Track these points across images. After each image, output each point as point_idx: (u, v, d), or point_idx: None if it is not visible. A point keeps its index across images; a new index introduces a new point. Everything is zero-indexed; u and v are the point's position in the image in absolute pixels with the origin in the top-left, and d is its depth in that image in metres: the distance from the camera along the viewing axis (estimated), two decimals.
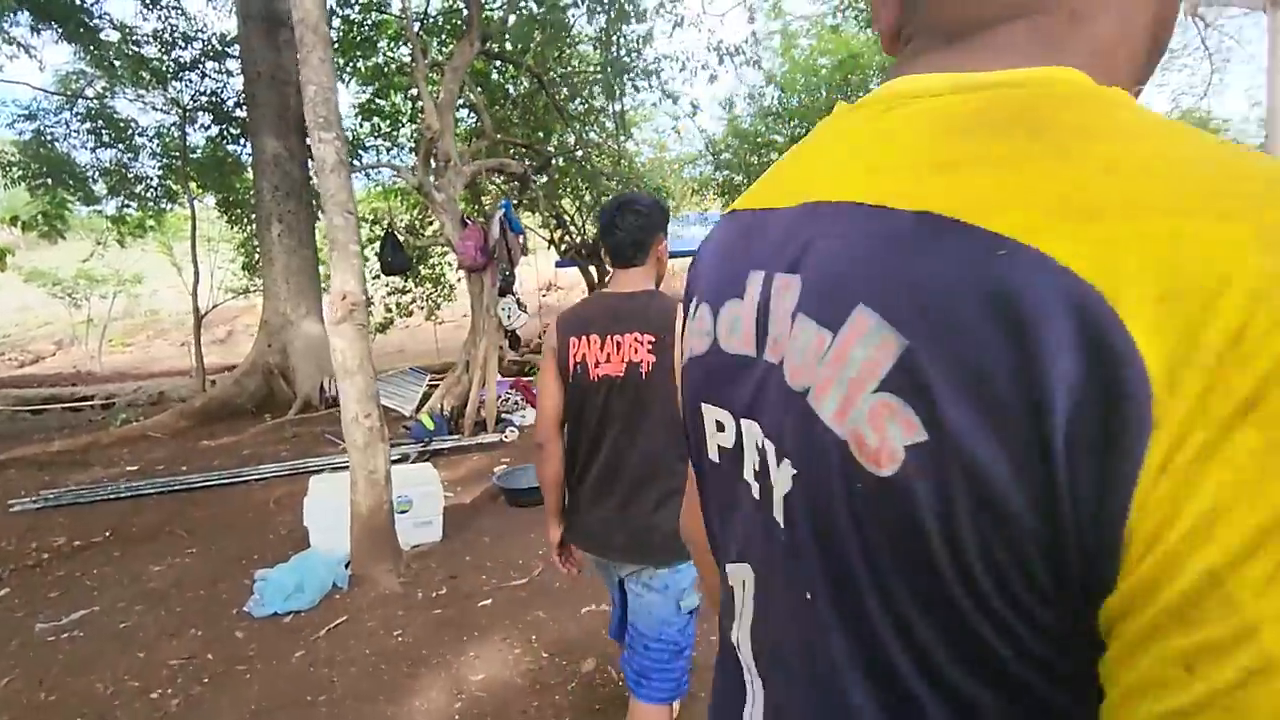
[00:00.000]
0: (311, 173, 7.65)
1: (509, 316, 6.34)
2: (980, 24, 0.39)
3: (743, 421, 0.45)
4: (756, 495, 0.45)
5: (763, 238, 0.45)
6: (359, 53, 9.27)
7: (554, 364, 1.69)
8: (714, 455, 0.50)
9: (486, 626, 3.00)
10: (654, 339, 1.59)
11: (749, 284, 0.45)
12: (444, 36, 8.99)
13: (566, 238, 15.80)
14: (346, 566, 3.48)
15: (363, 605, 3.23)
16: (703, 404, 0.50)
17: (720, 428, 0.48)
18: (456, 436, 6.08)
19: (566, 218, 15.38)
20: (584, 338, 1.64)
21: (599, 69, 8.01)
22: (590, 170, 9.26)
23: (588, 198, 15.34)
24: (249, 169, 9.25)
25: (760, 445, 0.43)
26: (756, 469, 0.44)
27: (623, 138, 9.43)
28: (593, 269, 16.21)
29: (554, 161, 9.55)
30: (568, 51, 8.85)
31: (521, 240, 6.43)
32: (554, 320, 1.74)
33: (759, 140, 14.16)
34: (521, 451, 5.76)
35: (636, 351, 1.60)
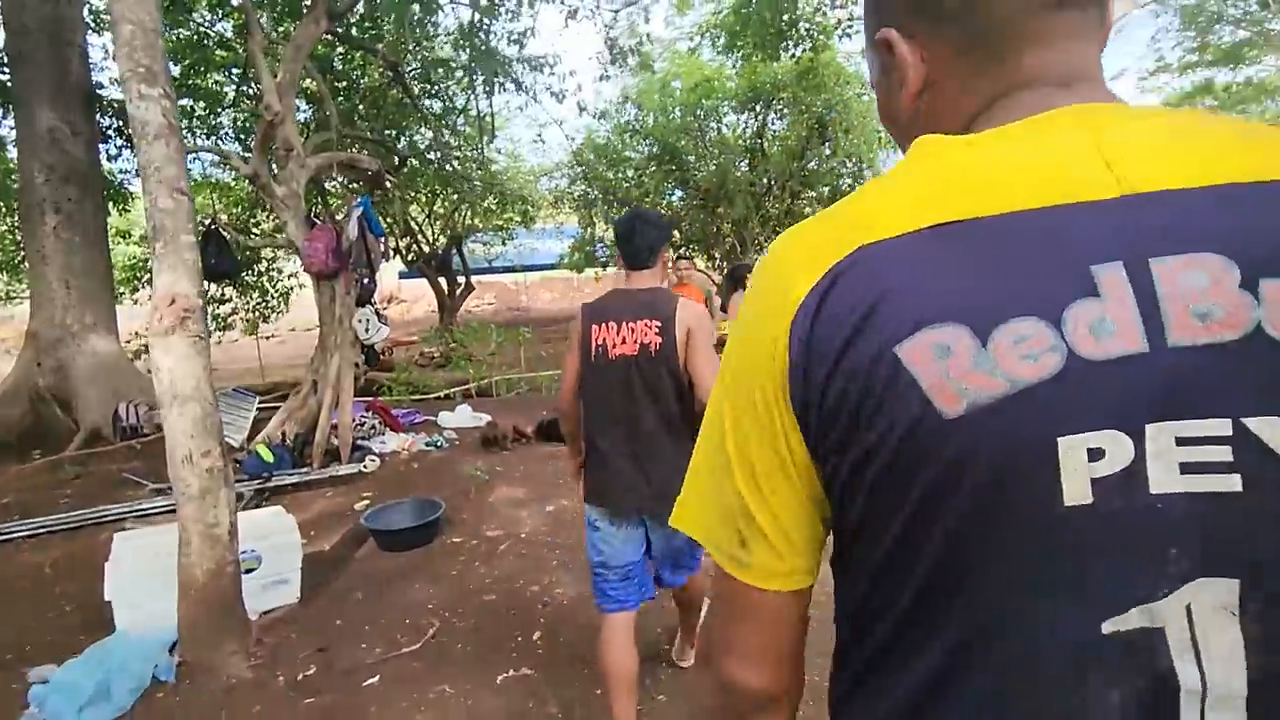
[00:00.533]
0: (104, 154, 6.28)
1: (367, 329, 5.55)
2: (1083, 75, 0.51)
3: (1149, 429, 0.41)
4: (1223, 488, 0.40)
5: (1066, 235, 0.44)
6: (168, 21, 7.88)
7: (578, 346, 2.05)
8: (1080, 496, 0.41)
9: (379, 715, 2.39)
10: (660, 323, 1.94)
11: (1102, 279, 0.42)
12: (277, 12, 7.90)
13: (415, 246, 14.75)
14: (172, 652, 2.67)
15: (201, 703, 2.47)
16: (1060, 439, 0.42)
17: (1097, 455, 0.41)
18: (303, 470, 5.18)
19: (415, 225, 14.36)
20: (604, 325, 1.99)
21: (466, 63, 7.39)
22: (449, 174, 8.57)
23: (440, 205, 14.45)
24: (10, 147, 7.47)
25: (1198, 439, 0.40)
26: (1182, 469, 0.40)
27: (487, 140, 8.85)
28: (443, 281, 15.29)
29: (406, 162, 8.74)
30: (428, 42, 8.15)
31: (383, 244, 5.68)
32: (581, 308, 2.08)
33: (615, 156, 14.14)
34: (385, 483, 5.01)
35: (646, 334, 1.94)
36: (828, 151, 13.17)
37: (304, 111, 8.82)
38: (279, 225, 6.12)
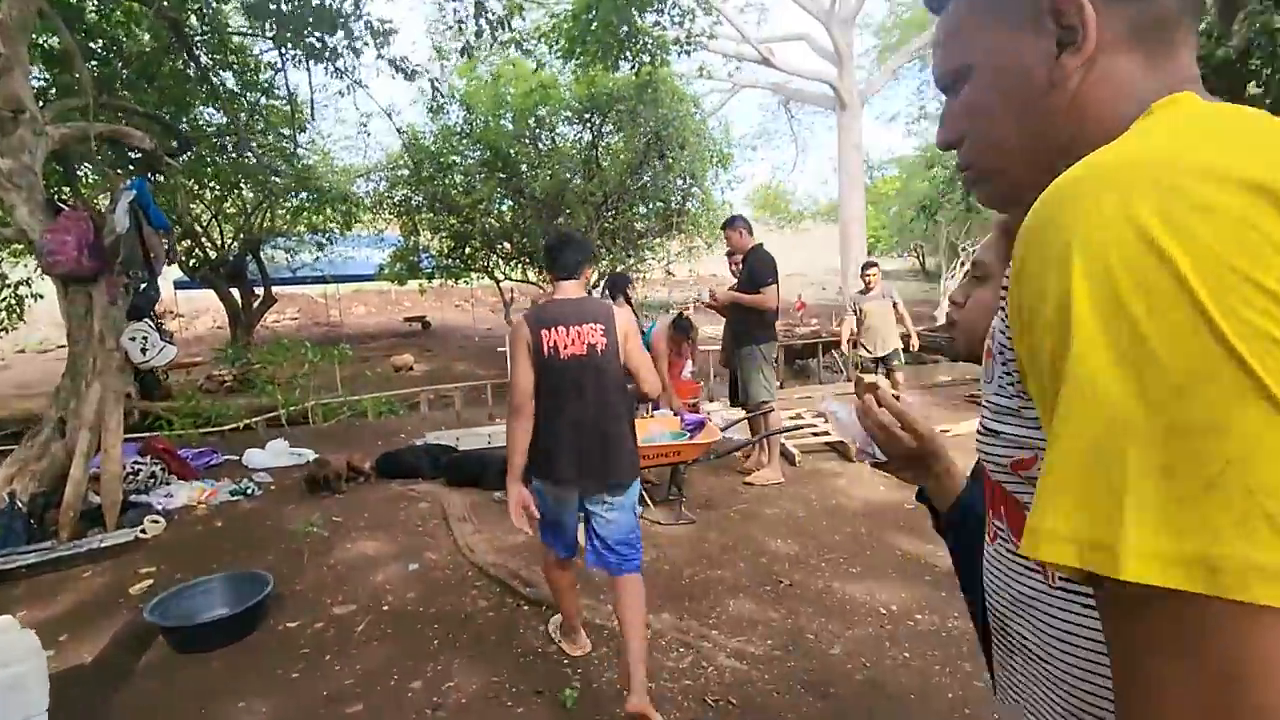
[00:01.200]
0: None
1: (144, 349, 4.25)
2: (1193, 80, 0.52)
3: None
4: None
5: None
6: None
7: (526, 350, 2.30)
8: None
9: None
10: (604, 327, 2.32)
11: None
12: None
13: (198, 251, 12.41)
14: None
15: None
16: None
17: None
18: (45, 544, 3.80)
19: (199, 226, 12.07)
20: (554, 329, 2.28)
21: (273, 21, 6.04)
22: (248, 165, 7.16)
23: (232, 203, 12.30)
24: None
25: None
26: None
27: (299, 125, 7.52)
28: (236, 292, 13.03)
29: (191, 146, 7.16)
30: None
31: (166, 240, 4.41)
32: (521, 317, 2.36)
33: (442, 160, 13.10)
34: (176, 553, 3.82)
35: (593, 336, 2.30)
36: (661, 167, 13.24)
37: (41, 78, 6.90)
38: (2, 213, 4.57)
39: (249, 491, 4.76)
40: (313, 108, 6.57)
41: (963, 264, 17.55)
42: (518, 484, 2.32)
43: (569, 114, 12.92)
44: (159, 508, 4.30)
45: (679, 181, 13.47)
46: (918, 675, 2.49)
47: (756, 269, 4.37)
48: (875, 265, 6.33)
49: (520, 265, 14.91)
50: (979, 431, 0.62)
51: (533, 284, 15.41)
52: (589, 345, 2.28)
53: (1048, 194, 0.45)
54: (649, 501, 4.18)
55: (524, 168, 13.08)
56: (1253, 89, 6.80)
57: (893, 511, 4.04)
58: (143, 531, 4.01)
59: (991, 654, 0.69)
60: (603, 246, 12.78)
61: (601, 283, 7.04)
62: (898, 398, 0.90)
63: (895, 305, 6.14)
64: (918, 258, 28.41)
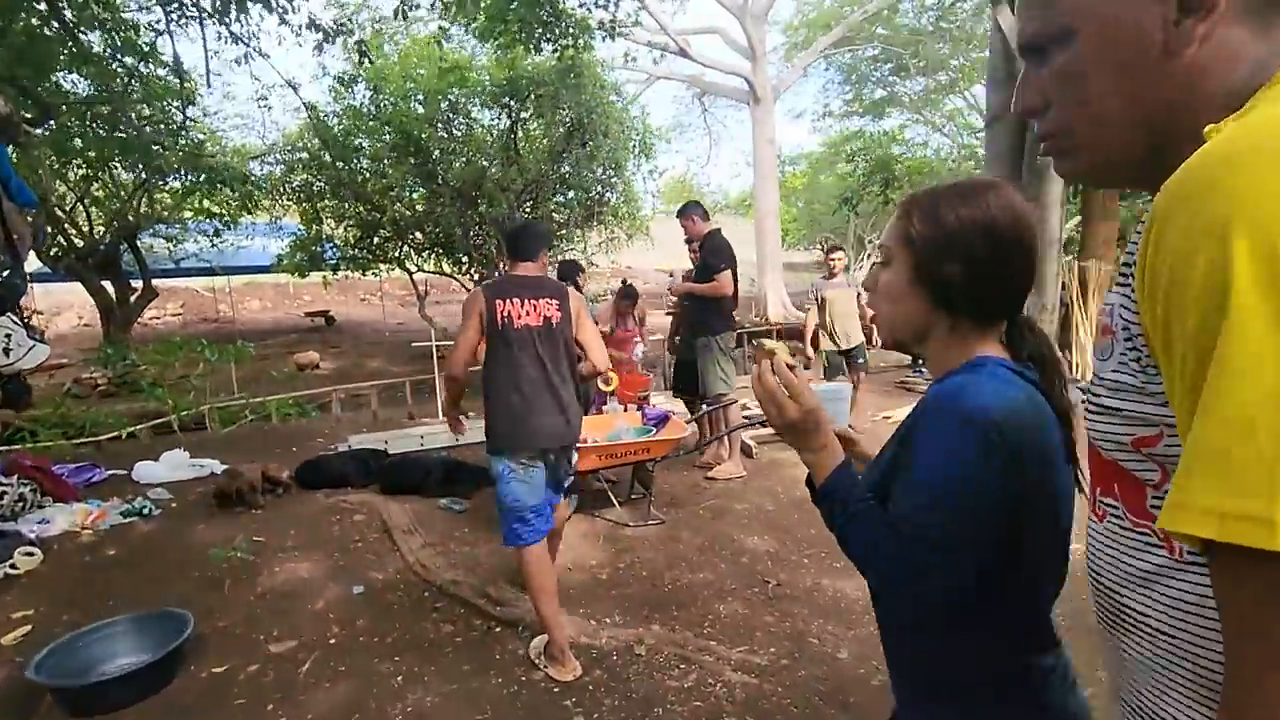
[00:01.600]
0: None
1: (7, 350, 3.55)
2: None
3: None
4: None
5: None
6: None
7: (478, 320, 2.49)
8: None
9: None
10: (558, 302, 2.54)
11: None
12: None
13: (62, 239, 10.89)
14: None
15: None
16: None
17: None
18: None
19: (60, 208, 10.57)
20: (508, 300, 2.48)
21: None
22: (129, 140, 6.28)
23: (102, 186, 10.85)
24: None
25: None
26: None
27: (189, 90, 6.64)
28: (109, 285, 11.54)
29: (53, 113, 6.19)
30: None
31: (33, 220, 3.70)
32: (479, 288, 2.73)
33: (347, 143, 12.21)
34: (60, 591, 3.20)
35: (549, 310, 2.53)
36: (583, 155, 12.88)
37: None
38: None
39: (145, 511, 4.12)
40: (208, 75, 5.78)
41: (869, 255, 18.25)
42: (455, 408, 2.77)
43: (485, 98, 12.34)
44: (32, 536, 3.63)
45: (600, 171, 13.18)
46: None
47: (709, 256, 4.20)
48: (840, 249, 5.99)
49: (434, 256, 14.17)
50: (1091, 410, 0.61)
51: (448, 276, 14.71)
52: (545, 318, 2.50)
53: (1195, 166, 0.45)
54: (614, 501, 3.94)
55: (437, 153, 12.40)
56: None
57: None
58: (12, 567, 3.36)
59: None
60: None
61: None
62: (793, 368, 0.92)
63: (859, 295, 5.59)
64: (822, 249, 29.45)
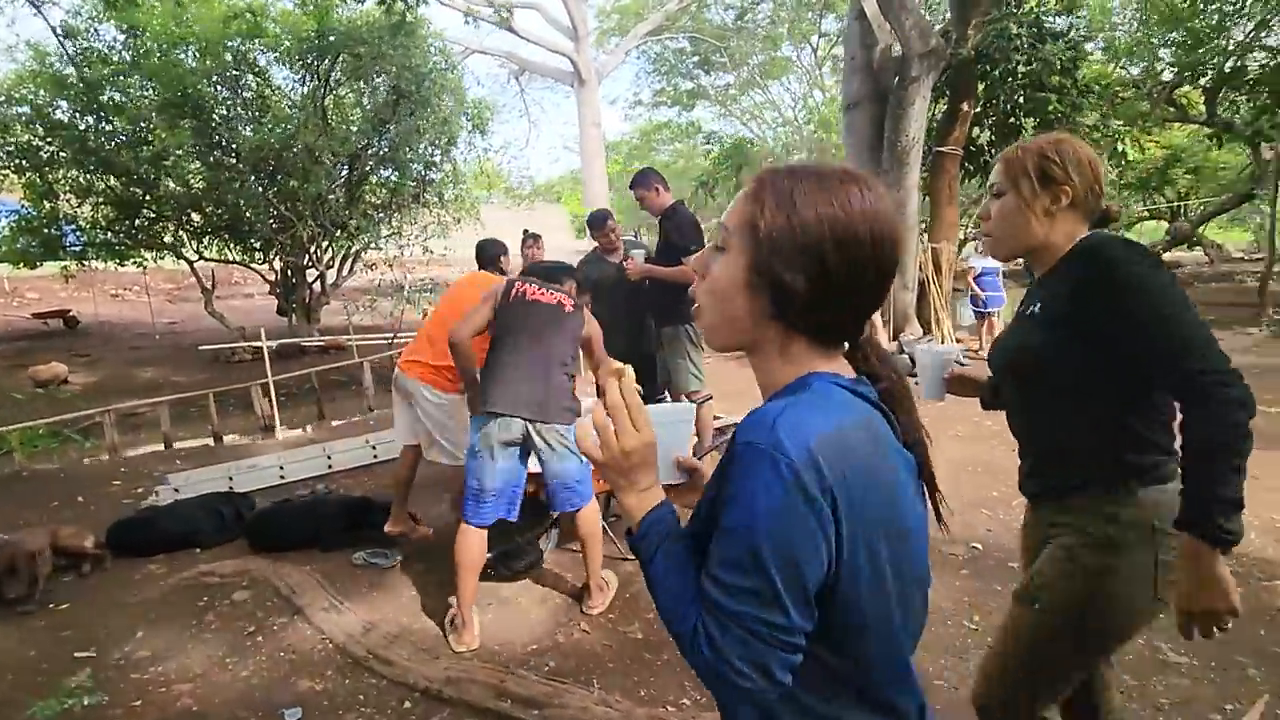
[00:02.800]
0: None
1: None
2: None
3: None
4: None
5: None
6: None
7: (492, 302, 2.62)
8: None
9: None
10: (573, 300, 2.67)
11: None
12: None
13: None
14: None
15: None
16: None
17: None
18: None
19: None
20: (526, 283, 2.64)
21: None
22: None
23: None
24: None
25: None
26: None
27: None
28: None
29: None
30: None
31: None
32: (505, 281, 2.72)
33: (92, 98, 9.58)
34: None
35: (561, 298, 2.63)
36: (408, 128, 11.40)
37: None
38: None
39: None
40: None
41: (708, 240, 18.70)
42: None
43: (285, 54, 10.39)
44: None
45: (424, 148, 11.78)
46: None
47: (678, 233, 3.64)
48: None
49: (219, 241, 11.79)
50: None
51: (240, 264, 12.34)
52: (559, 300, 2.61)
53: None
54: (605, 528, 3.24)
55: (219, 116, 10.21)
56: (982, 87, 8.03)
57: None
58: None
59: None
60: (352, 219, 10.66)
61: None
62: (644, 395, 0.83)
63: None
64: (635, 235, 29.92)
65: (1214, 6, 10.36)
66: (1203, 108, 11.87)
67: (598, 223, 3.77)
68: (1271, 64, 9.75)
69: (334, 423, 7.85)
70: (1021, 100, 7.77)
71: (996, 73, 7.60)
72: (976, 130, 8.44)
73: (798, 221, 0.69)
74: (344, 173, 11.40)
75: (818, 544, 0.63)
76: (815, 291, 0.69)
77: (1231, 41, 10.54)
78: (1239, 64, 10.37)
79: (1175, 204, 19.05)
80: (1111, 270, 1.11)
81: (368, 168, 11.68)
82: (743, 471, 0.65)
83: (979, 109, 8.12)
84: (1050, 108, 7.41)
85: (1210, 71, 10.48)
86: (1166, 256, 16.84)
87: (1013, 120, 8.04)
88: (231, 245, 11.88)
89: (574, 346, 2.63)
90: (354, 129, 11.06)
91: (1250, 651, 2.24)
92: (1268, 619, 2.41)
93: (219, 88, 10.10)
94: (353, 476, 4.53)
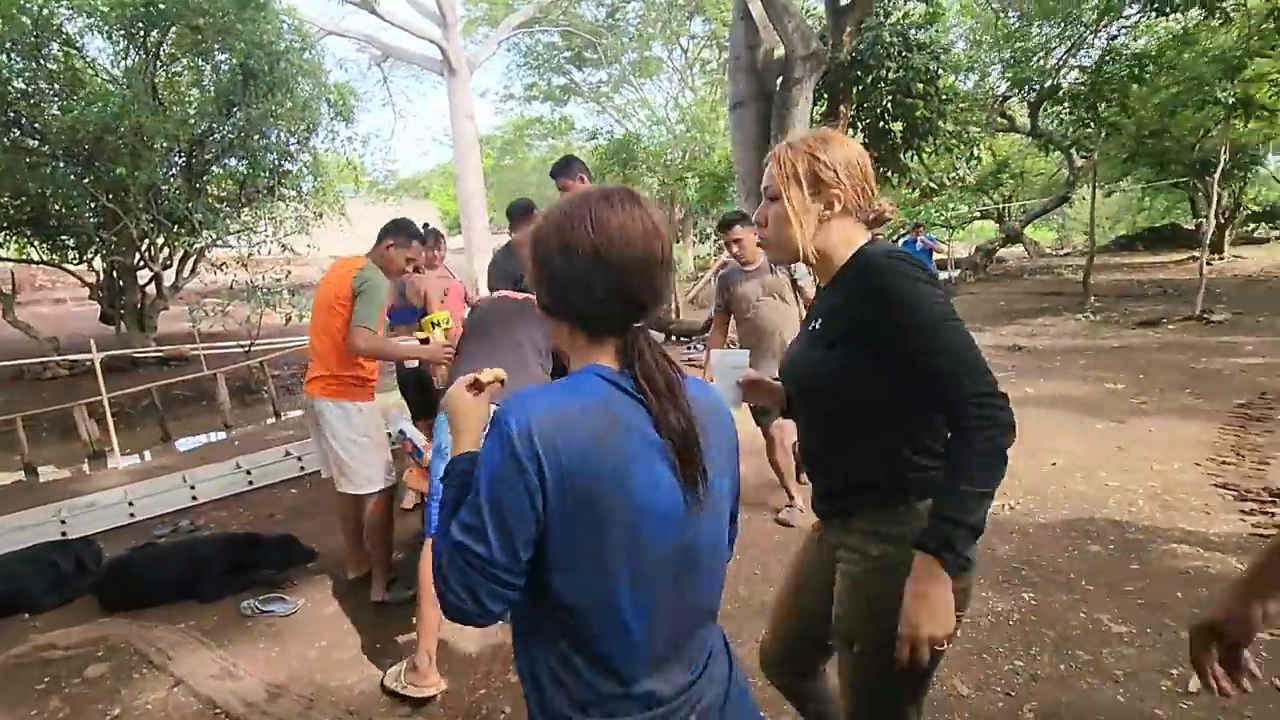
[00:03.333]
0: None
1: None
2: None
3: None
4: None
5: None
6: None
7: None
8: None
9: None
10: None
11: None
12: None
13: None
14: None
15: None
16: None
17: None
18: None
19: None
20: (503, 287, 2.82)
21: None
22: None
23: None
24: None
25: None
26: None
27: None
28: None
29: None
30: None
31: None
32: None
33: None
34: None
35: (530, 295, 2.31)
36: (259, 113, 10.26)
37: None
38: None
39: None
40: None
41: None
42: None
43: (104, 22, 8.99)
44: None
45: (278, 136, 10.67)
46: (1075, 690, 2.15)
47: None
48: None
49: (19, 239, 10.04)
50: None
51: (47, 264, 10.59)
52: (525, 298, 2.57)
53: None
54: None
55: (15, 90, 8.66)
56: (856, 91, 8.45)
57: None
58: None
59: None
60: (195, 212, 9.43)
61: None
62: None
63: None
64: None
65: (1036, 30, 11.64)
66: (1027, 120, 13.32)
67: (521, 213, 3.46)
68: (1083, 83, 11.09)
69: (181, 445, 6.87)
70: (891, 105, 8.26)
71: (869, 78, 8.02)
72: (851, 132, 8.90)
73: (540, 229, 0.86)
74: (182, 160, 10.06)
75: (524, 500, 0.75)
76: (553, 294, 0.85)
77: (1051, 61, 11.89)
78: (1056, 82, 11.72)
79: (1001, 205, 21.42)
80: (883, 285, 1.07)
81: (211, 155, 10.39)
82: (487, 435, 0.79)
83: (854, 112, 8.55)
84: (918, 113, 7.94)
85: (1035, 88, 11.75)
86: (1001, 252, 18.84)
87: (883, 124, 8.54)
88: (36, 242, 10.15)
89: (546, 340, 2.47)
90: (193, 110, 9.77)
91: (1175, 616, 2.40)
92: (1182, 581, 2.62)
93: (13, 57, 8.55)
94: (225, 507, 3.91)
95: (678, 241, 15.58)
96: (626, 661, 0.80)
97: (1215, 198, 10.38)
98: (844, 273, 1.16)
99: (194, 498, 3.97)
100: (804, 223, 1.15)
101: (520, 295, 2.59)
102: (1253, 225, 19.67)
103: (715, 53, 21.57)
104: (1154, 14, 9.82)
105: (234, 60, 9.35)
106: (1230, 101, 8.41)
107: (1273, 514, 3.14)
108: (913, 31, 8.15)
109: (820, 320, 1.20)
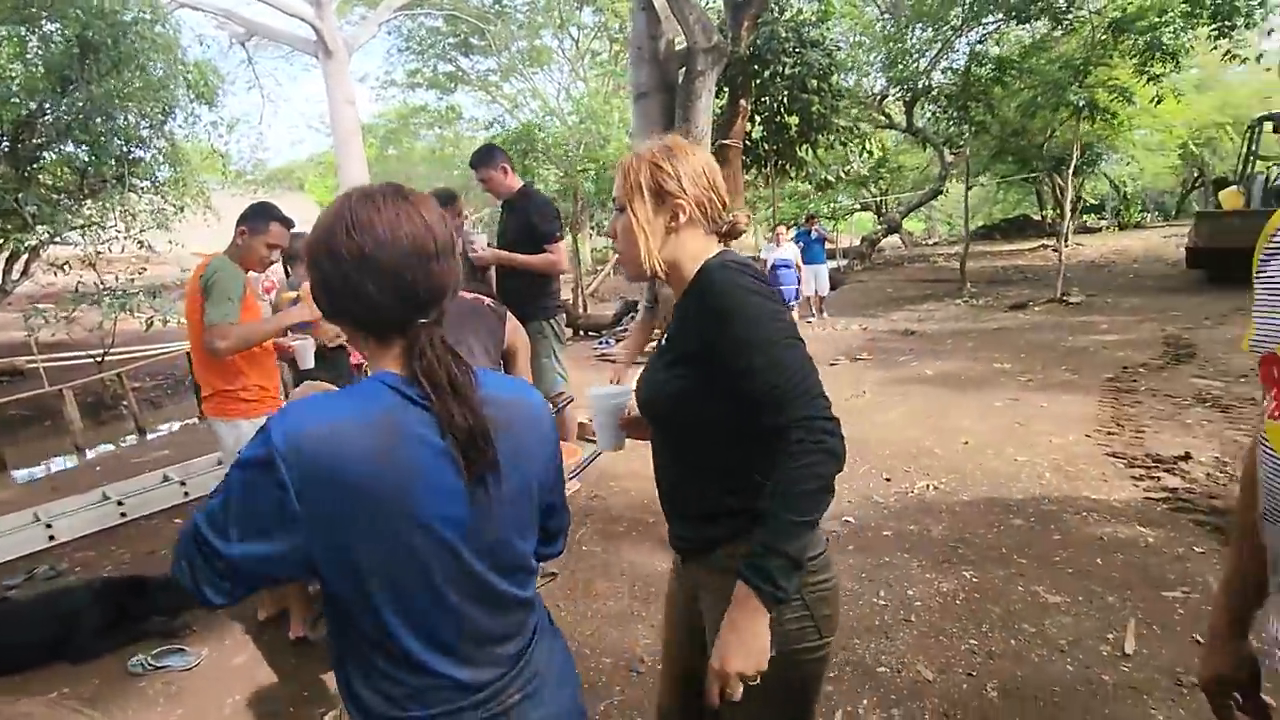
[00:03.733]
0: None
1: None
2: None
3: None
4: None
5: None
6: None
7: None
8: None
9: None
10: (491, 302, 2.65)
11: None
12: None
13: None
14: None
15: None
16: None
17: None
18: None
19: None
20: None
21: None
22: None
23: None
24: None
25: None
26: None
27: None
28: None
29: None
30: None
31: None
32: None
33: None
34: None
35: (478, 299, 2.54)
36: (99, 93, 9.08)
37: None
38: None
39: None
40: None
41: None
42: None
43: None
44: None
45: (133, 119, 9.52)
46: (1030, 665, 2.22)
47: (539, 219, 3.21)
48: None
49: None
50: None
51: None
52: (474, 298, 2.50)
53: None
54: None
55: None
56: (754, 85, 8.59)
57: None
58: None
59: None
60: (32, 207, 8.23)
61: None
62: None
63: None
64: None
65: (910, 33, 12.38)
66: (904, 118, 14.17)
67: (444, 203, 3.20)
68: (954, 84, 11.92)
69: (18, 475, 5.95)
70: (787, 100, 8.48)
71: (767, 73, 8.18)
72: (750, 126, 9.05)
73: (309, 242, 0.84)
74: (6, 145, 8.71)
75: (268, 511, 0.74)
76: (330, 300, 0.83)
77: (924, 63, 12.68)
78: (928, 83, 12.52)
79: (878, 199, 22.78)
80: (718, 301, 1.03)
81: (43, 139, 9.06)
82: (251, 439, 0.77)
83: (753, 106, 8.71)
84: (813, 108, 8.19)
85: (910, 88, 12.50)
86: (884, 242, 20.00)
87: (780, 118, 8.75)
88: None
89: (495, 349, 2.41)
90: (16, 86, 8.47)
91: (1100, 581, 2.57)
92: (1098, 548, 2.80)
93: None
94: (93, 546, 3.37)
95: (575, 235, 15.32)
96: (434, 655, 0.81)
97: (1071, 191, 11.45)
98: (690, 287, 1.10)
99: (51, 537, 3.40)
100: (650, 234, 1.09)
101: (469, 295, 2.42)
102: (1085, 216, 22.11)
103: (606, 44, 21.44)
104: (1013, 22, 10.67)
105: (69, 31, 8.20)
106: (1080, 104, 9.28)
107: (1159, 478, 3.45)
108: (806, 29, 8.39)
109: (666, 338, 1.13)
